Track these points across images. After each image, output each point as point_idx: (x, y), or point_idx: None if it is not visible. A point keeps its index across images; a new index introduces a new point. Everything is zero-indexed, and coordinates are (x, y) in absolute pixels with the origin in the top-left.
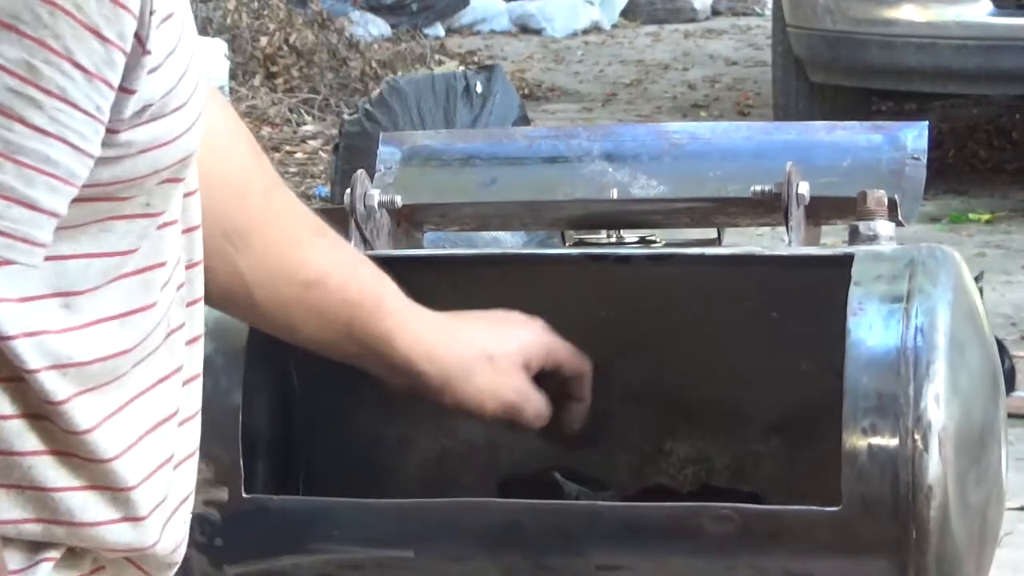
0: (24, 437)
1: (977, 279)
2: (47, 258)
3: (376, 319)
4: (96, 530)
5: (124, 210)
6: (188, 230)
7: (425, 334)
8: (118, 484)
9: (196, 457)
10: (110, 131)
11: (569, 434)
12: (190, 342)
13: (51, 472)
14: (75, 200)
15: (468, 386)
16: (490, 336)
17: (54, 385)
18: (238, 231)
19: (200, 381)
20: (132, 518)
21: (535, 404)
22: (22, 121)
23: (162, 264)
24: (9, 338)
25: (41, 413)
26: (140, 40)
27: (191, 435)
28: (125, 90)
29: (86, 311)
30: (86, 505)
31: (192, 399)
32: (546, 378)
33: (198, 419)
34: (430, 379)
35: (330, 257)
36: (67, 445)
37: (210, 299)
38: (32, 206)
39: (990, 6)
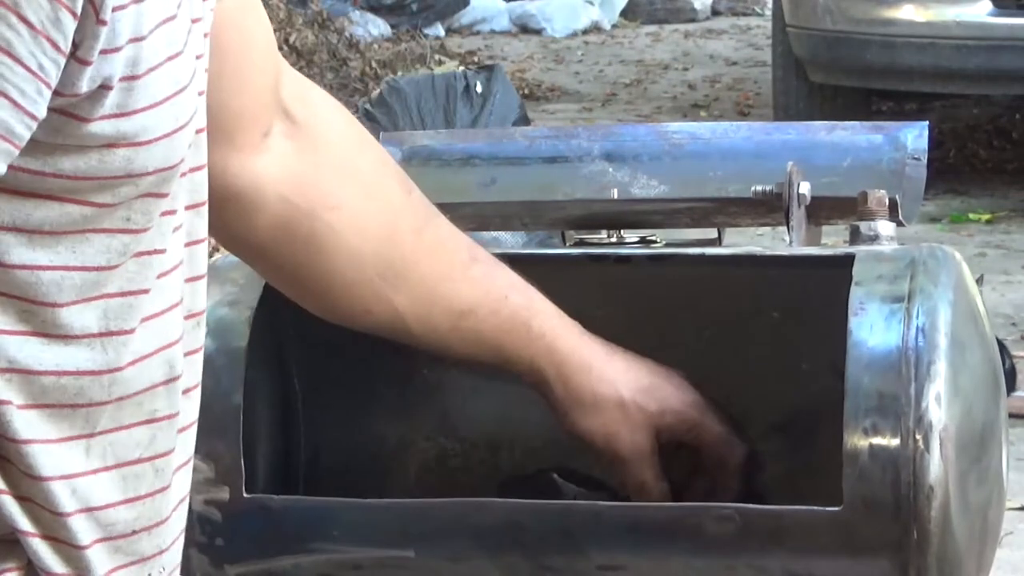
0: None
1: (977, 282)
2: (22, 266)
3: (524, 343)
4: (28, 540)
5: (103, 222)
6: (192, 279)
7: (567, 359)
8: (52, 507)
9: (184, 506)
10: (78, 119)
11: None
12: (187, 391)
13: None
14: (42, 196)
15: (588, 421)
16: (635, 383)
17: None
18: (392, 271)
19: (194, 429)
20: (66, 543)
21: (645, 475)
22: None
23: (145, 291)
24: None
25: None
26: (94, 6)
27: (182, 480)
28: (79, 60)
29: (50, 323)
30: (22, 512)
31: (185, 446)
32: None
33: (191, 466)
34: (558, 402)
35: (481, 287)
36: (4, 450)
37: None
38: None
39: (990, 6)
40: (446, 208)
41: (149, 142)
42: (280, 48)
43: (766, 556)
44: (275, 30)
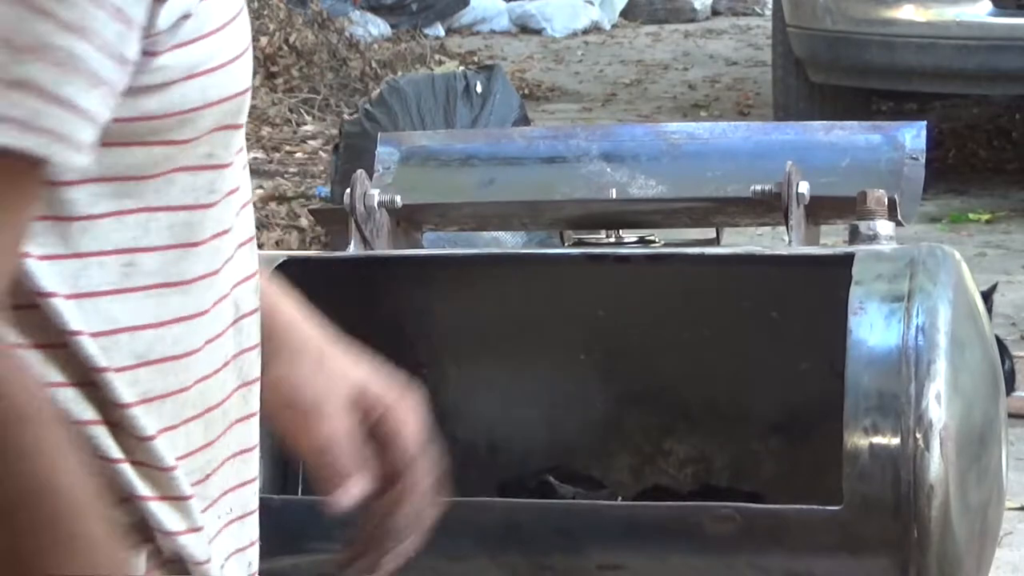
0: (81, 405)
1: (992, 291)
2: (109, 214)
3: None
4: (147, 504)
5: (187, 160)
6: (243, 243)
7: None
8: (159, 464)
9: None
10: (148, 54)
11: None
12: (241, 386)
13: (109, 441)
14: (134, 143)
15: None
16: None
17: (95, 351)
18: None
19: (256, 419)
20: (176, 498)
21: (331, 424)
22: (55, 18)
23: (227, 231)
24: (48, 295)
25: (91, 380)
26: None
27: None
28: None
29: (140, 275)
30: (138, 477)
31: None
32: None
33: (256, 452)
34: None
35: None
36: (115, 416)
37: None
38: (71, 105)
39: (990, 6)
40: (445, 208)
41: (216, 68)
42: (280, 48)
43: (766, 555)
44: (275, 30)
